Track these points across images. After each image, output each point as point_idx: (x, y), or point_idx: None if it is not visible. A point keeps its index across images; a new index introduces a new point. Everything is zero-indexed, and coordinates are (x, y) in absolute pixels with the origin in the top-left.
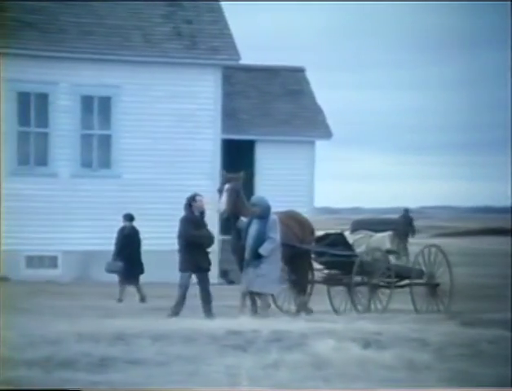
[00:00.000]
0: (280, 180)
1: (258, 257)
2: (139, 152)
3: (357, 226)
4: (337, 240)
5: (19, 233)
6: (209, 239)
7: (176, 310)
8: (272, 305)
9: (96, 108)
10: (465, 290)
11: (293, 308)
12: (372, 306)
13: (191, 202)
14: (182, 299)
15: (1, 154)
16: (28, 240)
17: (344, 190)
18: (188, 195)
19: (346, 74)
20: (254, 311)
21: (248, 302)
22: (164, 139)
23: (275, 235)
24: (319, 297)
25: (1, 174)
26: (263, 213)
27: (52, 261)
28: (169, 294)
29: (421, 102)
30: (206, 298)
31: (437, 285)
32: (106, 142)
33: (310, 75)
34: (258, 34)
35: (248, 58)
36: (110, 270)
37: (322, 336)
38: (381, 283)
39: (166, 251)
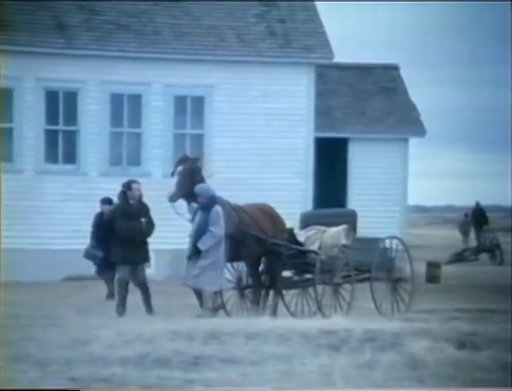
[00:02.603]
0: (372, 178)
1: (197, 252)
2: (231, 151)
3: (307, 221)
4: (288, 239)
5: None
6: (141, 233)
7: (119, 311)
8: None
9: (189, 108)
10: None
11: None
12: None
13: (125, 190)
14: (123, 297)
15: (83, 154)
16: None
17: (436, 187)
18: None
19: (439, 71)
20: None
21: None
22: (256, 138)
23: (217, 228)
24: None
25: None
26: (207, 204)
27: None
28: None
29: None
30: (144, 294)
31: (399, 280)
32: (199, 141)
33: (404, 72)
34: (351, 32)
35: (341, 56)
36: (89, 257)
37: (416, 336)
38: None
39: None
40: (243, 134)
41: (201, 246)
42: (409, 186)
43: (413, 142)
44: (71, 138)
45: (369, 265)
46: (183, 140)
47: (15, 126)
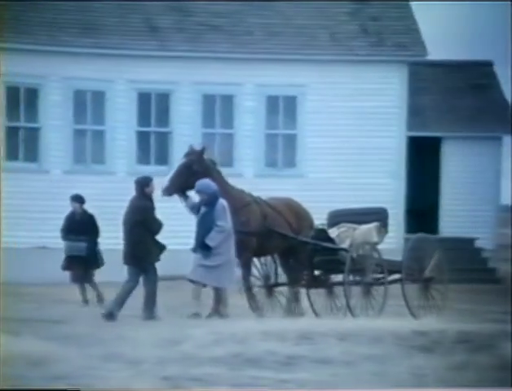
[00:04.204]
0: (465, 177)
1: (205, 248)
2: (323, 151)
3: (336, 219)
4: (319, 237)
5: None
6: (161, 226)
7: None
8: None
9: (281, 108)
10: None
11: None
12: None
13: (143, 187)
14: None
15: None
16: None
17: None
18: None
19: None
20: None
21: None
22: (348, 137)
23: (224, 222)
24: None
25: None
26: (209, 200)
27: None
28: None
29: None
30: (151, 293)
31: (430, 279)
32: (291, 141)
33: (498, 69)
34: (443, 27)
35: (435, 53)
36: (73, 251)
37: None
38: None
39: None
40: (334, 134)
41: (210, 242)
42: (502, 186)
43: (507, 140)
44: (163, 140)
45: (401, 266)
46: (276, 140)
47: (108, 128)
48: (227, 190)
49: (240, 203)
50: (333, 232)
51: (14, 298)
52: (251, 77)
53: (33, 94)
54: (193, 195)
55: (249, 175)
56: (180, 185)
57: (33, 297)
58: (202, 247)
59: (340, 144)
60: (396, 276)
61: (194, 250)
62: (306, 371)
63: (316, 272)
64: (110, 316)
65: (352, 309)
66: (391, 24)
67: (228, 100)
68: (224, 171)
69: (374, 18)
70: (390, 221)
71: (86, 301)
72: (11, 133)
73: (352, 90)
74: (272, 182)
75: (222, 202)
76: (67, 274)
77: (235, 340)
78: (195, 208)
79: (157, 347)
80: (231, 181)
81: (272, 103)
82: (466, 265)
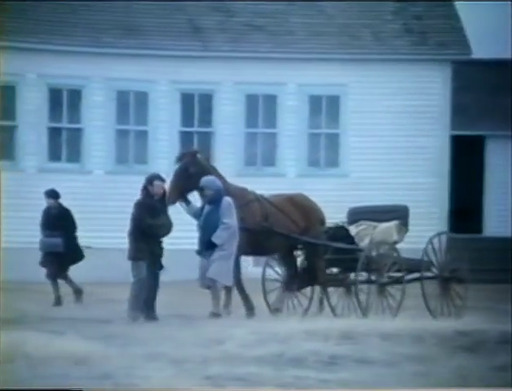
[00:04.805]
0: (509, 176)
1: (211, 247)
2: (366, 150)
3: (356, 217)
4: (339, 234)
5: None
6: (167, 228)
7: (133, 315)
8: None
9: (324, 107)
10: None
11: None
12: (382, 306)
13: (147, 185)
14: (138, 299)
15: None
16: None
17: None
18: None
19: None
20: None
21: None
22: (391, 137)
23: (231, 219)
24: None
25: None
26: (214, 197)
27: None
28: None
29: None
30: (153, 294)
31: (450, 278)
32: (334, 140)
33: None
34: (487, 27)
35: (479, 51)
36: (47, 247)
37: None
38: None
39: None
40: (377, 133)
41: (217, 240)
42: None
43: None
44: (206, 140)
45: (419, 265)
46: (318, 140)
47: (150, 129)
48: (225, 187)
49: (239, 201)
50: (352, 230)
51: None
52: (294, 77)
53: (75, 96)
54: (194, 201)
55: (292, 175)
56: (180, 190)
57: None
58: (208, 246)
59: (383, 144)
60: (415, 275)
61: (199, 252)
62: (348, 371)
63: (334, 270)
64: (135, 318)
65: (365, 308)
66: (435, 22)
67: (271, 100)
68: (266, 171)
69: (418, 17)
70: (434, 221)
71: (58, 299)
72: (54, 134)
73: (395, 89)
74: (315, 182)
75: (228, 199)
76: (111, 274)
77: (277, 340)
78: (197, 213)
79: (199, 346)
80: (274, 181)
81: (315, 102)
82: (508, 265)
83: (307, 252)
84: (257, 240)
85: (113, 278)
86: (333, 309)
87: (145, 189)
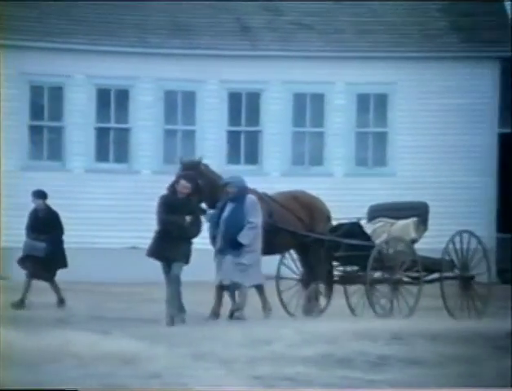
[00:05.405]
0: None
1: (236, 246)
2: (413, 149)
3: (375, 214)
4: (353, 231)
5: None
6: (181, 229)
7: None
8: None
9: (372, 106)
10: None
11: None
12: (396, 307)
13: (175, 183)
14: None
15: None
16: None
17: None
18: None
19: None
20: (232, 312)
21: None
22: (439, 135)
23: (257, 219)
24: None
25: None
26: (239, 194)
27: None
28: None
29: None
30: (173, 292)
31: (471, 278)
32: (382, 139)
33: None
34: None
35: None
36: (30, 250)
37: None
38: (406, 279)
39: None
40: (424, 131)
41: (244, 240)
42: None
43: None
44: (253, 139)
45: (439, 264)
46: (366, 138)
47: (198, 128)
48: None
49: None
50: (368, 228)
51: (105, 297)
52: (342, 76)
53: (123, 96)
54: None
55: (339, 174)
56: (210, 202)
57: (124, 297)
58: (233, 245)
59: (431, 142)
60: (435, 275)
61: (221, 250)
62: (396, 372)
63: (349, 268)
64: (171, 321)
65: (376, 307)
66: (483, 19)
67: (319, 99)
68: (314, 170)
69: (465, 14)
70: (481, 220)
71: (21, 301)
72: (102, 134)
73: (443, 87)
74: (362, 181)
75: (252, 197)
76: (156, 274)
77: (324, 340)
78: (214, 216)
79: (247, 346)
80: (321, 180)
81: (363, 101)
82: None
83: (313, 249)
84: (264, 238)
85: (160, 279)
86: (352, 310)
87: (172, 186)
